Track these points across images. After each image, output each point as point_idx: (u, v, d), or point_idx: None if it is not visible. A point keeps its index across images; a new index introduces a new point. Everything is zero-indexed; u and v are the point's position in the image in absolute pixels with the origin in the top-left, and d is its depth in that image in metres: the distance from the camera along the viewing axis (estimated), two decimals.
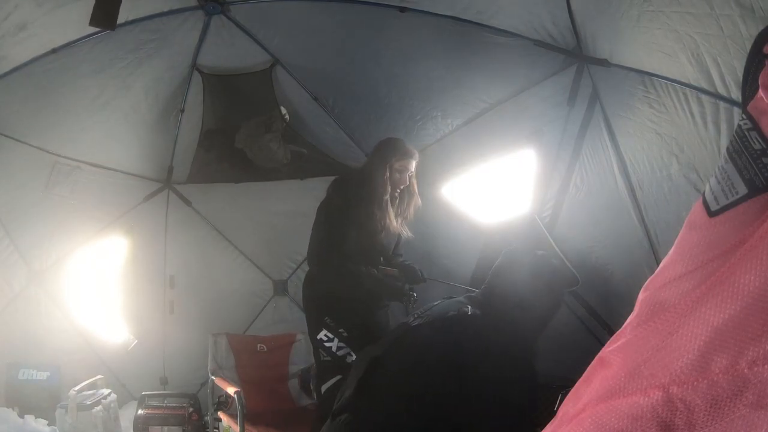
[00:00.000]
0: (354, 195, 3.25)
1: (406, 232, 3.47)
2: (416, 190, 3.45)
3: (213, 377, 3.69)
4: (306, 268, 3.50)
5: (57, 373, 4.28)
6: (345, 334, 3.17)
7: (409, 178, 3.36)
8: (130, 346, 4.54)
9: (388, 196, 3.27)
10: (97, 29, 3.11)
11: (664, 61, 2.50)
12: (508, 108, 3.75)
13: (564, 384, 4.21)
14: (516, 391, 1.87)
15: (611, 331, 3.67)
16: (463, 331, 2.03)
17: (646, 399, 0.66)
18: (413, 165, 3.35)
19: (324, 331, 3.19)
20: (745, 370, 0.60)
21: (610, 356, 0.77)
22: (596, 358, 0.81)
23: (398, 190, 3.35)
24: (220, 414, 3.62)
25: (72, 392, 3.84)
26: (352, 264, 3.19)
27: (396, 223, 3.33)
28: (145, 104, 4.18)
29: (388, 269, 3.40)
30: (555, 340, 4.29)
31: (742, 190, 0.69)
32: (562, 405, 0.84)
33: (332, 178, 3.57)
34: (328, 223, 3.25)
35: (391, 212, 3.29)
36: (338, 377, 3.05)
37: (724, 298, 0.63)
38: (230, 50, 4.03)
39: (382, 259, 3.44)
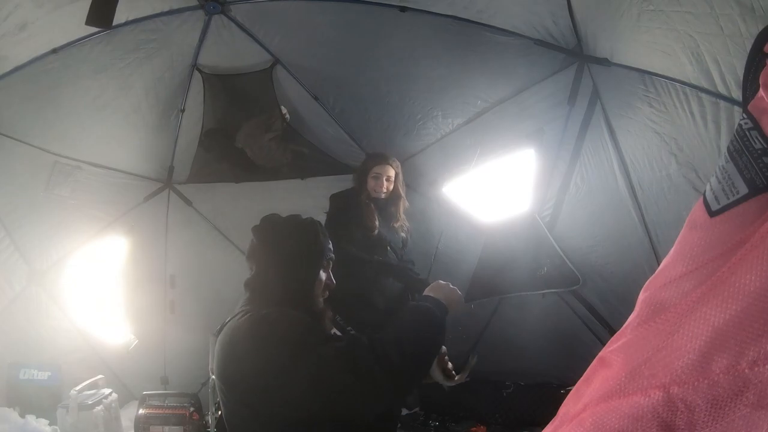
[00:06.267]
0: (346, 203, 3.60)
1: (406, 233, 3.74)
2: (402, 194, 3.70)
3: (214, 377, 3.69)
4: None
5: (58, 372, 4.27)
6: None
7: (393, 181, 3.64)
8: (131, 346, 4.54)
9: (368, 200, 3.59)
10: (97, 29, 3.11)
11: (665, 60, 2.50)
12: (508, 107, 3.75)
13: (565, 383, 4.23)
14: None
15: (612, 331, 3.68)
16: None
17: (647, 399, 0.66)
18: (391, 170, 3.63)
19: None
20: (746, 370, 0.60)
21: (610, 356, 0.77)
22: (597, 357, 0.81)
23: (382, 194, 3.61)
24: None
25: (73, 392, 3.84)
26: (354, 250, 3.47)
27: (377, 226, 3.57)
28: (145, 104, 4.17)
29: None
30: (556, 338, 4.31)
31: (743, 189, 0.69)
32: (562, 404, 0.84)
33: (332, 177, 3.63)
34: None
35: (376, 215, 3.57)
36: None
37: (724, 298, 0.63)
38: (230, 50, 4.03)
39: (394, 256, 3.68)
